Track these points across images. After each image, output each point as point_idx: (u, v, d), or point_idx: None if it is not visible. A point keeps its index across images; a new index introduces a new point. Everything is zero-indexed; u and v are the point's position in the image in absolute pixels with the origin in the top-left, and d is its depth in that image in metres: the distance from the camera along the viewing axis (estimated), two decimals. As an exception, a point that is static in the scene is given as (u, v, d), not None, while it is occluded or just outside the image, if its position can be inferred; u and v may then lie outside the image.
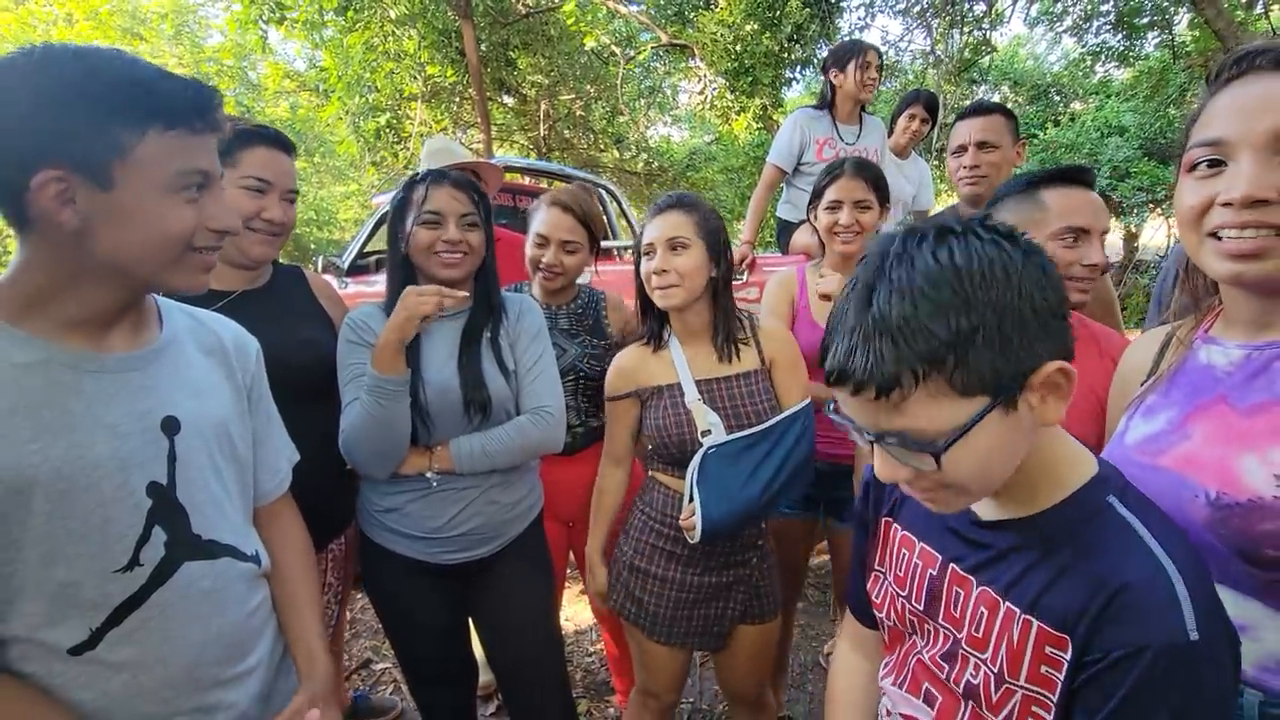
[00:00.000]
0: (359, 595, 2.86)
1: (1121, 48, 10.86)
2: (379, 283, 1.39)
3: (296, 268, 1.51)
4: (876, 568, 0.85)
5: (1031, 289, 0.57)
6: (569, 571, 2.04)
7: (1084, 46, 11.38)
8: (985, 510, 0.71)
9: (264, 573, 0.95)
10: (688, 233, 1.35)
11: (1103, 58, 11.39)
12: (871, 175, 1.68)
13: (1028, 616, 0.64)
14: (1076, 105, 13.30)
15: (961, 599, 0.71)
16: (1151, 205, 9.08)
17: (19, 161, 0.66)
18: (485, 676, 2.13)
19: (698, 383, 1.39)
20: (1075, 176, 1.19)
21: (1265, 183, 0.66)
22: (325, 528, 1.44)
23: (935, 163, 7.54)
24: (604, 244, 3.75)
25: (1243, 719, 0.72)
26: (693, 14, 8.19)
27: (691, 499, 1.30)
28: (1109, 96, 11.98)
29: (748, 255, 2.77)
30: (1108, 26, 10.51)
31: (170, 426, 0.81)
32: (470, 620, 1.55)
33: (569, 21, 8.12)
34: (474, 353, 1.35)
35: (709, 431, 1.34)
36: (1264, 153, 0.66)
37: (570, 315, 1.76)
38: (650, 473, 1.50)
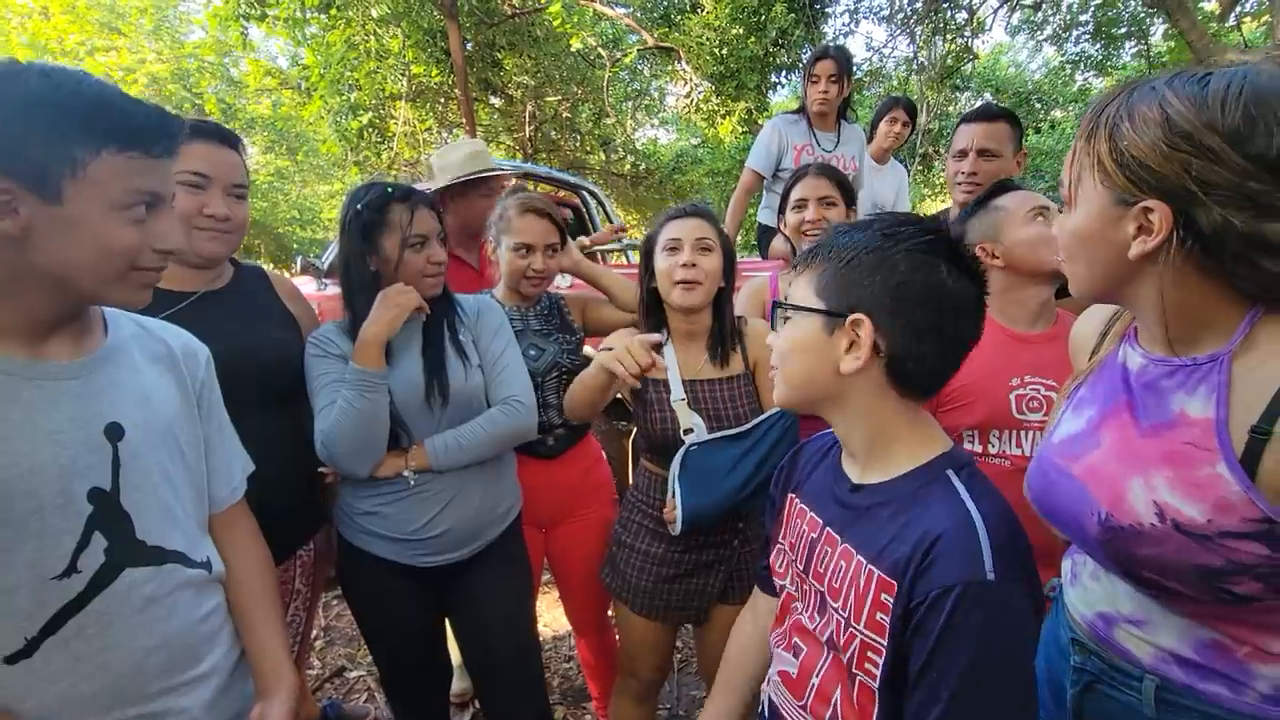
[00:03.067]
0: (335, 604, 2.83)
1: (1100, 57, 11.06)
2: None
3: (258, 267, 1.48)
4: (779, 540, 0.95)
5: (903, 271, 0.73)
6: (544, 577, 2.02)
7: (1064, 55, 11.60)
8: (857, 476, 0.83)
9: (216, 579, 0.94)
10: (712, 237, 1.40)
11: (1082, 66, 11.61)
12: (836, 177, 1.71)
13: (871, 566, 0.74)
14: (1057, 113, 13.52)
15: (828, 556, 0.82)
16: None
17: None
18: (461, 684, 2.11)
19: (685, 383, 1.43)
20: (1011, 186, 1.41)
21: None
22: (293, 532, 1.41)
23: (919, 167, 7.61)
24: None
25: (1140, 702, 0.78)
26: (678, 17, 8.23)
27: (674, 493, 1.35)
28: (1088, 104, 12.17)
29: None
30: (1087, 36, 10.72)
31: (114, 433, 0.81)
32: (447, 623, 1.54)
33: (555, 23, 8.11)
34: (437, 344, 1.37)
35: (690, 430, 1.38)
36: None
37: (539, 316, 1.76)
38: (640, 460, 1.56)
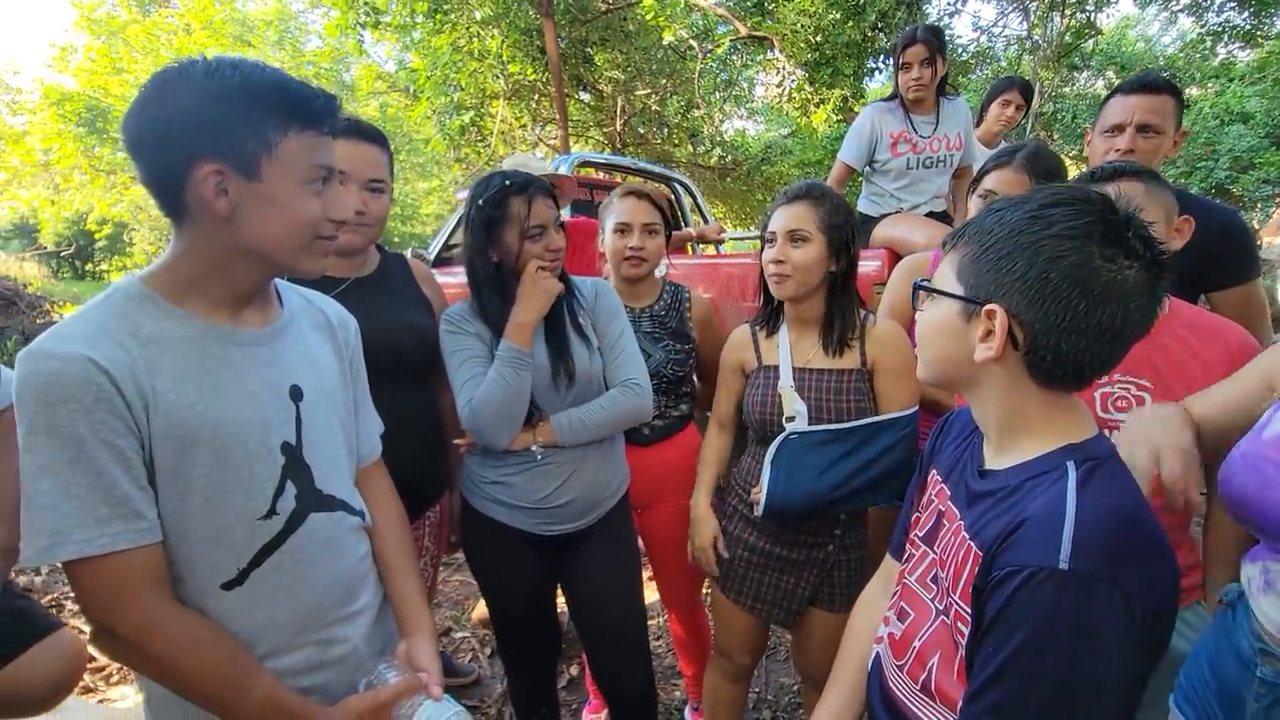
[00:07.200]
0: (441, 568, 3.03)
1: (1248, 26, 9.90)
2: (463, 274, 1.45)
3: (400, 255, 1.60)
4: (919, 509, 0.96)
5: (1049, 259, 0.67)
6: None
7: (1204, 26, 10.44)
8: (988, 459, 0.83)
9: (367, 527, 1.06)
10: (809, 226, 1.37)
11: (1225, 38, 10.43)
12: (1042, 169, 1.50)
13: (970, 543, 0.75)
14: (1193, 91, 12.25)
15: (947, 530, 0.83)
16: (1279, 199, 8.28)
17: (184, 155, 0.77)
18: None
19: (795, 370, 1.43)
20: (1126, 170, 1.22)
21: None
22: (423, 496, 1.53)
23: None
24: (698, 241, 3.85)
25: None
26: (772, 5, 8.08)
27: (763, 476, 1.36)
28: (1231, 80, 10.98)
29: None
30: (1232, 4, 9.62)
31: (296, 394, 0.92)
32: (560, 587, 1.63)
33: (648, 16, 8.17)
34: (559, 328, 1.44)
35: (793, 418, 1.39)
36: None
37: (653, 318, 1.78)
38: (748, 446, 1.58)
